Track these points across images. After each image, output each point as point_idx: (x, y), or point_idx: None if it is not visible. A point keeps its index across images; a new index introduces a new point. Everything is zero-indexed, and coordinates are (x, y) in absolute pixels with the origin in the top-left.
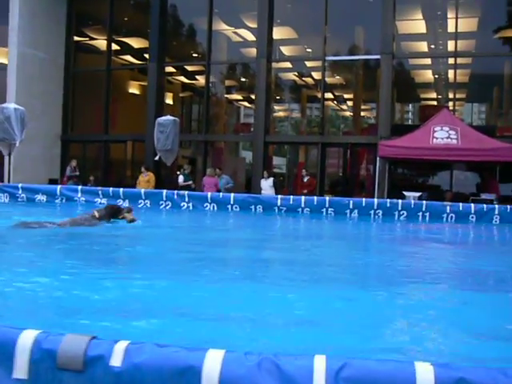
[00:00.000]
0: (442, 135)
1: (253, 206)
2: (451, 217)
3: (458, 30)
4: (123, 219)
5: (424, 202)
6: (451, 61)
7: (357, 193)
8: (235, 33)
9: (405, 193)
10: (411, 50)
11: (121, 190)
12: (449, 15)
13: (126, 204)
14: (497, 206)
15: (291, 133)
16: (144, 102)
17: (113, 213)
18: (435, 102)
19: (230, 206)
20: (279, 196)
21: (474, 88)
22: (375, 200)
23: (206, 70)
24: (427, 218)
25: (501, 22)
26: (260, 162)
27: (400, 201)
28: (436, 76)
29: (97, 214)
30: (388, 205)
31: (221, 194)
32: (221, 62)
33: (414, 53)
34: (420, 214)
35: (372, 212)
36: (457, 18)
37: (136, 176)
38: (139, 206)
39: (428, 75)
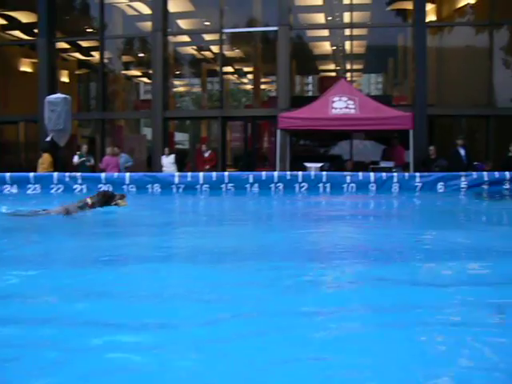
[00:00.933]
0: (340, 105)
1: (149, 185)
2: (352, 187)
3: (354, 2)
4: (116, 205)
5: (324, 173)
6: (348, 32)
7: (260, 166)
8: (129, 6)
9: (306, 164)
10: (309, 21)
11: (7, 174)
12: None
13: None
14: (395, 174)
15: (193, 108)
16: (37, 81)
17: (105, 199)
18: (334, 74)
19: (125, 186)
20: (176, 173)
21: (371, 59)
22: (275, 173)
23: (100, 46)
24: (328, 189)
25: None
26: (160, 139)
27: (300, 173)
28: (334, 48)
29: (89, 202)
30: (288, 177)
31: (115, 173)
32: (115, 36)
33: (311, 24)
34: (321, 185)
35: (272, 185)
36: None
37: (30, 159)
38: (28, 191)
39: (326, 47)
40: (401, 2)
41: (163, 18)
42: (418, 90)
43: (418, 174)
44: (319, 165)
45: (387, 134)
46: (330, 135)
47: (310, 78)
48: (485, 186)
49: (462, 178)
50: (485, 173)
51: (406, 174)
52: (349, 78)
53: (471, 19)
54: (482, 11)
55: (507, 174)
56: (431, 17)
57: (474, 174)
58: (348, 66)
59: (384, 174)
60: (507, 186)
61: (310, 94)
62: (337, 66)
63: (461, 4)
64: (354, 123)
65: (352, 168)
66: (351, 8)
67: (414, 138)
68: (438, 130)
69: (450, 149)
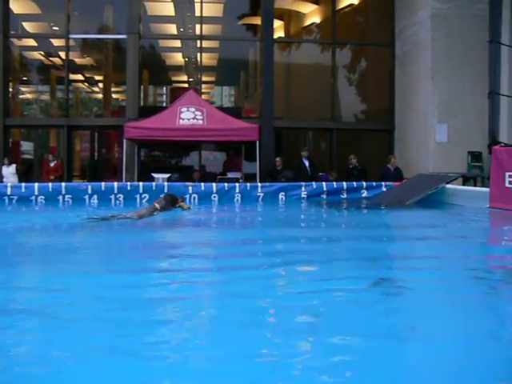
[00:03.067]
0: (188, 116)
1: None
2: (194, 197)
3: (206, 15)
4: (179, 207)
5: (166, 183)
6: (200, 44)
7: (110, 177)
8: None
9: (154, 175)
10: (161, 31)
11: None
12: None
13: None
14: (237, 184)
15: (40, 116)
16: None
17: (171, 202)
18: (186, 85)
19: None
20: (9, 184)
21: (223, 71)
22: (115, 184)
23: None
24: None
25: (244, 10)
26: (0, 148)
27: (141, 183)
28: (186, 59)
29: (158, 206)
30: (129, 188)
31: None
32: None
33: (161, 34)
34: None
35: (113, 196)
36: (202, 3)
37: None
38: None
39: (179, 58)
40: (251, 17)
41: (4, 19)
42: (265, 103)
43: (259, 184)
44: (167, 175)
45: (236, 146)
46: (180, 146)
47: (164, 89)
48: (324, 196)
49: (302, 188)
50: (324, 183)
51: (248, 184)
52: (202, 90)
53: (317, 38)
54: (326, 31)
55: (344, 183)
56: (280, 33)
57: (314, 184)
58: (201, 78)
59: (226, 185)
60: (344, 195)
61: (164, 104)
62: (189, 78)
63: (307, 23)
64: (201, 134)
65: (200, 179)
66: (203, 20)
67: (262, 150)
68: (285, 142)
69: (296, 160)
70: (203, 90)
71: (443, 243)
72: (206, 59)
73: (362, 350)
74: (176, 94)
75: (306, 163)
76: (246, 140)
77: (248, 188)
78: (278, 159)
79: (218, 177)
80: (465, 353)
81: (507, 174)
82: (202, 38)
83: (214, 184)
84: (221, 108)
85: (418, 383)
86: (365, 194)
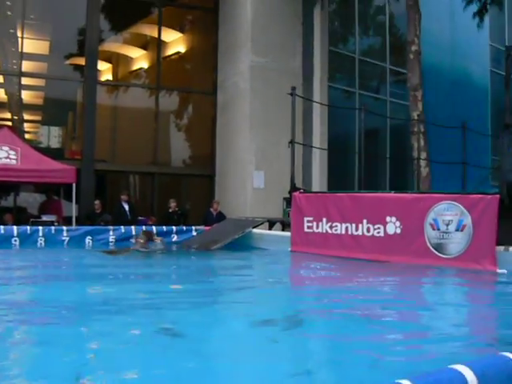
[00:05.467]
0: (1, 155)
1: None
2: None
3: (31, 51)
4: (153, 242)
5: None
6: (26, 81)
7: None
8: None
9: None
10: None
11: None
12: (20, 35)
13: None
14: (41, 227)
15: None
16: None
17: (150, 237)
18: (10, 123)
19: None
20: None
21: (50, 111)
22: None
23: None
24: None
25: (72, 50)
26: None
27: None
28: (9, 96)
29: (142, 241)
30: None
31: None
32: None
33: None
34: None
35: None
36: (23, 38)
37: None
38: None
39: (1, 94)
40: (77, 57)
41: None
42: (86, 145)
43: (65, 228)
44: None
45: (56, 187)
46: None
47: None
48: (132, 240)
49: (110, 232)
50: (133, 227)
51: (53, 228)
52: (25, 129)
53: (145, 82)
54: (153, 76)
55: (154, 228)
56: (108, 76)
57: (122, 228)
58: (26, 117)
59: (29, 228)
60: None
61: None
62: (14, 116)
63: (135, 67)
64: (14, 174)
65: (13, 221)
66: (26, 57)
67: (81, 192)
68: (108, 185)
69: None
70: (28, 130)
71: (237, 287)
72: (31, 97)
73: None
74: None
75: (126, 207)
76: (62, 182)
77: (52, 232)
78: (97, 202)
79: (32, 220)
80: None
81: (306, 218)
82: (21, 74)
83: (14, 227)
84: (47, 149)
85: None
86: (175, 238)
